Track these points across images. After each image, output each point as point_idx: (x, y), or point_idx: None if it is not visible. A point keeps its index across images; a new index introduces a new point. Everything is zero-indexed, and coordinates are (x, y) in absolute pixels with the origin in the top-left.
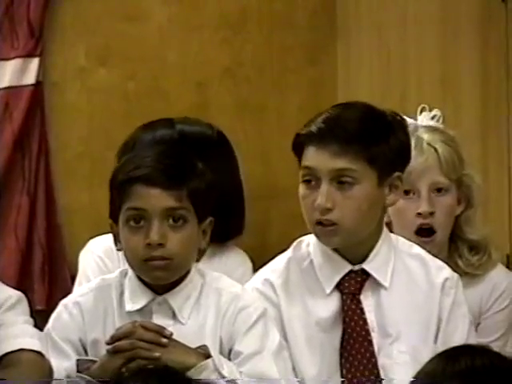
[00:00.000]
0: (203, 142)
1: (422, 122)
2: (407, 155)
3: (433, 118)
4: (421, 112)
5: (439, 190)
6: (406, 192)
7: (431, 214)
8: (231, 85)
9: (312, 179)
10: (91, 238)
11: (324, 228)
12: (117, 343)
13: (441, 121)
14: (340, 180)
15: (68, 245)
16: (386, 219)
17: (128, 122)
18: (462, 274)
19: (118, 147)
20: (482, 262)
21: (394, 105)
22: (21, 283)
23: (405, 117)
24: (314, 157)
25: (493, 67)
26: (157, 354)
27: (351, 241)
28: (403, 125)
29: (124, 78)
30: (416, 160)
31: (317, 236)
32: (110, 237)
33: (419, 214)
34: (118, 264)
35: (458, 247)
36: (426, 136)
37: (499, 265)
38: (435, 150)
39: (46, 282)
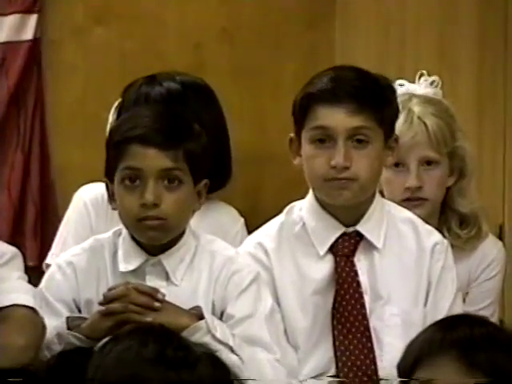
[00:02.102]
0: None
1: (420, 87)
2: (398, 118)
3: (431, 83)
4: (419, 77)
5: (429, 163)
6: (396, 164)
7: (419, 188)
8: (228, 47)
9: (325, 138)
10: None
11: (339, 184)
12: (109, 305)
13: (439, 87)
14: (356, 138)
15: (61, 202)
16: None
17: (124, 81)
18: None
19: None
20: (470, 235)
21: (390, 72)
22: (13, 240)
23: (404, 82)
24: (328, 116)
25: (491, 35)
26: (148, 319)
27: (359, 199)
28: (395, 89)
29: (121, 38)
30: (406, 135)
31: (327, 193)
32: (101, 185)
33: (408, 187)
34: (103, 214)
35: (448, 219)
36: (417, 109)
37: (489, 235)
38: (425, 124)
39: (38, 239)
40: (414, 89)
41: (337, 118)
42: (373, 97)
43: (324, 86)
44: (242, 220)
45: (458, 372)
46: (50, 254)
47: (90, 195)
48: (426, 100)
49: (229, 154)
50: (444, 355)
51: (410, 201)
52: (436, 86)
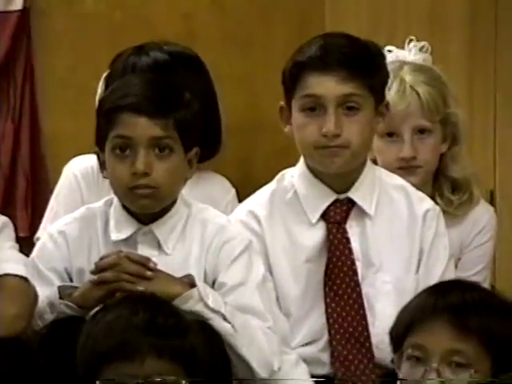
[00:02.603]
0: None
1: (410, 53)
2: (387, 84)
3: (421, 49)
4: (409, 43)
5: (422, 131)
6: (389, 134)
7: (413, 157)
8: (218, 16)
9: (316, 106)
10: None
11: (330, 151)
12: (101, 274)
13: (429, 52)
14: (346, 106)
15: (51, 173)
16: (370, 156)
17: (113, 51)
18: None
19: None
20: (462, 201)
21: (381, 39)
22: (4, 210)
23: (394, 48)
24: (317, 84)
25: (482, 2)
26: (140, 288)
27: (351, 166)
28: (385, 55)
29: (111, 7)
30: (399, 105)
31: (318, 161)
32: (91, 157)
33: (402, 157)
34: (94, 186)
35: (441, 185)
36: (408, 78)
37: (481, 201)
38: (417, 93)
39: (28, 210)
40: (403, 55)
41: (327, 85)
42: (363, 64)
43: (313, 53)
44: (234, 190)
45: (450, 336)
46: (40, 227)
47: (80, 167)
48: (417, 68)
49: (219, 124)
50: (436, 320)
51: (403, 169)
52: (426, 52)
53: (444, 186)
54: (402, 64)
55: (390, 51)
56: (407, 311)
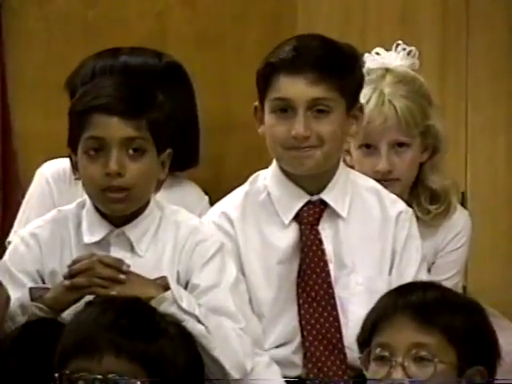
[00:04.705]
0: (147, 72)
1: (396, 58)
2: (362, 87)
3: (409, 53)
4: (396, 47)
5: (400, 144)
6: (367, 146)
7: (389, 171)
8: (191, 15)
9: (286, 108)
10: None
11: (300, 153)
12: (74, 280)
13: (416, 56)
14: (316, 109)
15: (23, 171)
16: (348, 162)
17: (86, 50)
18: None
19: None
20: (439, 211)
21: (352, 40)
22: None
23: (382, 51)
24: (288, 86)
25: (452, 3)
26: (113, 293)
27: (322, 167)
28: (360, 58)
29: (84, 6)
30: (376, 119)
31: (289, 162)
32: (63, 161)
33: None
34: (66, 190)
35: (419, 194)
36: (388, 90)
37: (458, 206)
38: (395, 108)
39: None
40: (390, 59)
41: (297, 88)
42: (334, 66)
43: (285, 55)
44: (207, 198)
45: (412, 330)
46: (12, 231)
47: (51, 171)
48: (399, 78)
49: (197, 135)
50: (398, 317)
51: (379, 181)
52: (413, 57)
53: (422, 195)
54: (385, 73)
55: (377, 53)
56: (372, 312)
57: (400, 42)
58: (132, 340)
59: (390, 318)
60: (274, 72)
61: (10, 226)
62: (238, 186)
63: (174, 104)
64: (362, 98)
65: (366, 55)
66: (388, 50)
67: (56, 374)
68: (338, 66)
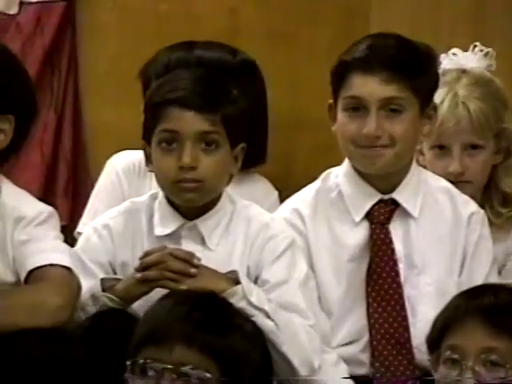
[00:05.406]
0: (221, 67)
1: (474, 59)
2: (437, 87)
3: (486, 55)
4: (473, 49)
5: (473, 147)
6: (440, 147)
7: (462, 173)
8: (263, 12)
9: (358, 107)
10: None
11: (371, 152)
12: (145, 273)
13: (493, 58)
14: (388, 108)
15: (92, 162)
16: (421, 162)
17: (157, 43)
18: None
19: None
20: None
21: (425, 39)
22: (45, 199)
23: (459, 51)
24: (361, 85)
25: None
26: (183, 287)
27: (394, 167)
28: (436, 58)
29: (156, 0)
30: (449, 120)
31: (359, 160)
32: (134, 153)
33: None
34: (136, 183)
35: (491, 197)
36: (462, 92)
37: None
38: (468, 110)
39: (69, 198)
40: (467, 60)
41: (369, 87)
42: (407, 66)
43: (359, 54)
44: (276, 193)
45: (483, 335)
46: (80, 222)
47: (122, 164)
48: (475, 80)
49: (266, 132)
50: (469, 320)
51: (452, 183)
52: (490, 58)
53: (494, 198)
54: (460, 74)
55: (454, 54)
56: (442, 314)
57: (477, 43)
58: (204, 333)
59: (461, 320)
60: (347, 70)
61: (80, 217)
62: (307, 184)
63: (246, 100)
64: (437, 99)
65: (443, 56)
66: (464, 50)
67: (128, 362)
68: (411, 66)
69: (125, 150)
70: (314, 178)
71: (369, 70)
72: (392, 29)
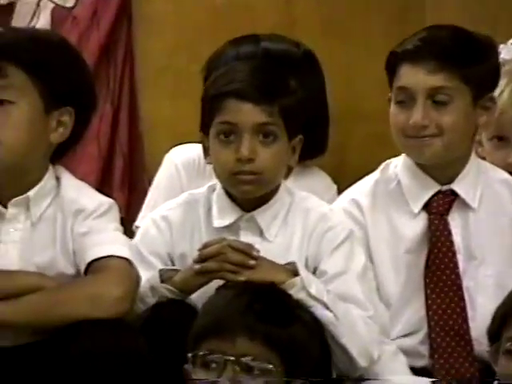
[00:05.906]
0: (287, 60)
1: None
2: (498, 78)
3: None
4: None
5: None
6: (499, 138)
7: None
8: (318, 3)
9: (406, 99)
10: (171, 148)
11: (419, 142)
12: (204, 264)
13: None
14: (435, 99)
15: (148, 154)
16: (480, 154)
17: (214, 35)
18: None
19: (203, 61)
20: None
21: (483, 30)
22: (101, 191)
23: None
24: (408, 75)
25: None
26: (242, 278)
27: (444, 157)
28: (496, 48)
29: None
30: (509, 111)
31: (409, 150)
32: (193, 148)
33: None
34: (195, 177)
35: None
36: None
37: None
38: None
39: (125, 191)
40: None
41: (416, 77)
42: (457, 55)
43: (409, 45)
44: (335, 188)
45: None
46: (139, 216)
47: (181, 158)
48: None
49: (327, 124)
50: None
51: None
52: None
53: None
54: None
55: None
56: (502, 306)
57: None
58: (266, 324)
59: None
60: (398, 62)
61: (136, 209)
62: (361, 175)
63: (307, 92)
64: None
65: (502, 46)
66: None
67: (189, 355)
68: (462, 55)
69: (181, 143)
70: (369, 170)
71: (417, 60)
72: (447, 18)
